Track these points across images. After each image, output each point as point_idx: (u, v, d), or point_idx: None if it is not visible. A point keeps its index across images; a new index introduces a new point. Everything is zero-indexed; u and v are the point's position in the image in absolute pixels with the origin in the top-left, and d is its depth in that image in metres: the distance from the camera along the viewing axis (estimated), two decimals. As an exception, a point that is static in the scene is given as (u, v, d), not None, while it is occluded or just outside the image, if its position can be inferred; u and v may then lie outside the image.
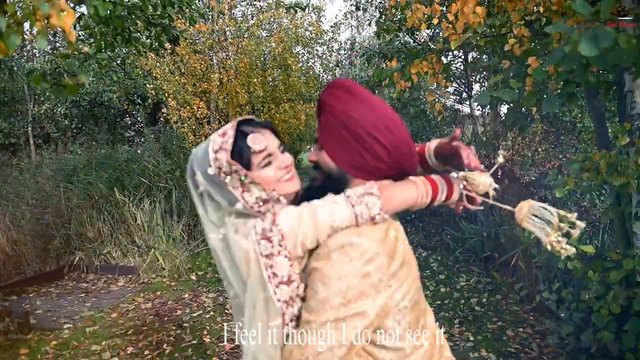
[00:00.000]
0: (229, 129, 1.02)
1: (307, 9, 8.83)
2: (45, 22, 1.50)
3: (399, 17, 4.69)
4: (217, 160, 0.99)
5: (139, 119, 13.99)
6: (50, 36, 10.53)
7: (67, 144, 11.59)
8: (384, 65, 7.38)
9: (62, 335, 3.77)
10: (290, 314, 0.97)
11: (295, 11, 7.20)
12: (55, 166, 8.12)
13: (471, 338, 3.45)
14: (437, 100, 3.10)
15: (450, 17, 2.22)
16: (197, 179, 1.04)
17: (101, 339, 3.66)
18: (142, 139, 14.63)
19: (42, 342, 3.64)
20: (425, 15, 2.37)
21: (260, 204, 0.99)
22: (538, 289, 3.76)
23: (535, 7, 2.13)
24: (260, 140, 1.02)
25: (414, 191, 1.04)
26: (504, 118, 5.51)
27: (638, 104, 2.42)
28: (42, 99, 12.03)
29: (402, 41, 7.77)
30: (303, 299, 0.98)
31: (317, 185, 1.09)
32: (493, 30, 2.88)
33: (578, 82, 2.19)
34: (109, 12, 3.57)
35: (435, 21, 2.38)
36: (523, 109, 3.92)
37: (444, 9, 2.73)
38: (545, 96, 2.06)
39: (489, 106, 8.56)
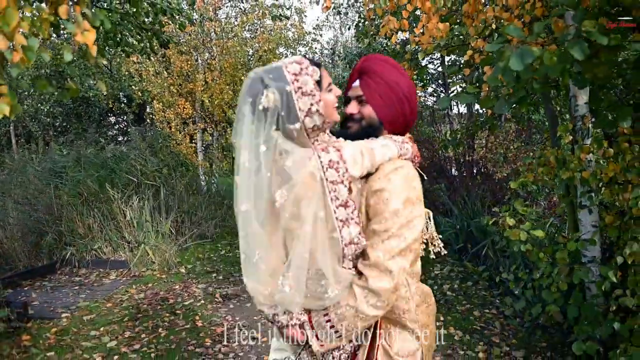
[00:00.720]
0: (302, 60, 1.24)
1: (290, 11, 9.11)
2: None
3: (377, 22, 5.00)
4: (297, 81, 1.18)
5: (123, 117, 14.10)
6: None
7: (49, 142, 11.62)
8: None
9: (61, 323, 4.00)
10: (346, 233, 1.21)
11: (280, 19, 7.47)
12: (43, 165, 8.25)
13: (441, 318, 3.79)
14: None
15: (417, 31, 2.54)
16: (268, 94, 1.16)
17: (99, 325, 3.90)
18: (126, 138, 14.74)
19: (42, 329, 3.86)
20: (395, 28, 2.69)
21: (313, 129, 1.22)
22: (499, 272, 4.12)
23: (491, 21, 2.46)
24: (329, 72, 1.32)
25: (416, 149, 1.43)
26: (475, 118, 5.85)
27: (580, 107, 2.77)
28: (23, 96, 12.00)
29: (382, 44, 8.10)
30: (357, 224, 1.23)
31: (355, 131, 1.39)
32: (461, 38, 3.22)
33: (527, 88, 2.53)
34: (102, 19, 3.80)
35: (404, 34, 2.71)
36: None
37: (413, 23, 3.04)
38: (497, 100, 2.38)
39: (465, 106, 8.96)
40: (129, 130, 15.53)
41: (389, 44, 8.42)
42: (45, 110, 12.14)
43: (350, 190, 1.24)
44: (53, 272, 5.71)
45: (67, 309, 4.36)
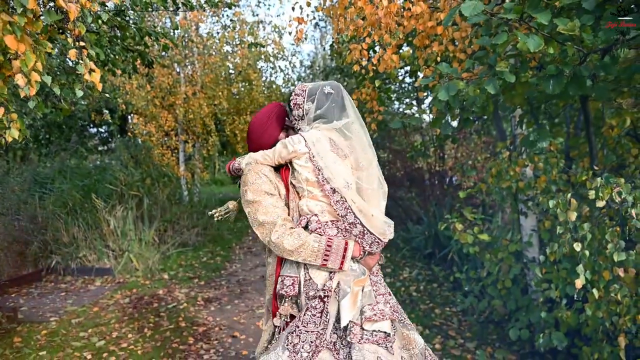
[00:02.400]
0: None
1: (265, 38, 9.48)
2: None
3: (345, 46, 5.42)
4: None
5: (103, 128, 14.23)
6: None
7: (28, 154, 11.68)
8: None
9: (50, 326, 4.23)
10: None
11: (256, 46, 7.84)
12: (24, 175, 8.41)
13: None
14: (374, 119, 3.78)
15: (374, 61, 2.92)
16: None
17: (87, 327, 4.16)
18: (106, 147, 14.83)
19: (32, 332, 4.10)
20: (357, 57, 3.07)
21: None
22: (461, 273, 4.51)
23: (435, 56, 2.85)
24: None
25: None
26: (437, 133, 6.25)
27: (522, 126, 3.19)
28: None
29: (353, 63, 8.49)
30: None
31: None
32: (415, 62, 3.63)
33: (473, 110, 2.94)
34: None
35: (364, 63, 3.10)
36: (455, 123, 4.70)
37: (371, 53, 3.44)
38: (443, 122, 2.77)
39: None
40: (110, 140, 15.69)
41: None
42: (27, 122, 12.21)
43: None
44: (39, 280, 5.91)
45: (55, 313, 4.60)
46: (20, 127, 2.12)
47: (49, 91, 3.22)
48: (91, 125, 14.44)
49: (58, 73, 3.27)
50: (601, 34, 1.71)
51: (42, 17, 2.14)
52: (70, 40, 2.08)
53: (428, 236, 6.39)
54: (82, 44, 2.04)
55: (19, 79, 1.85)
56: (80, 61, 1.98)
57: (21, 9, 1.86)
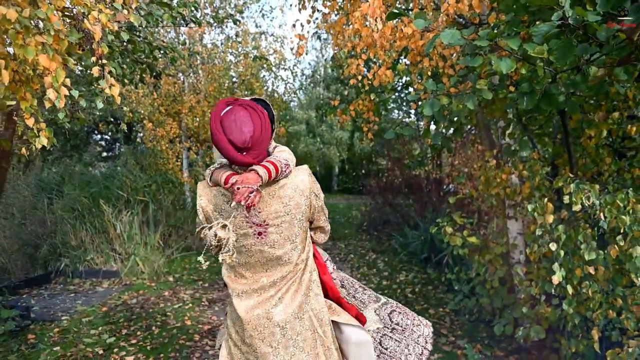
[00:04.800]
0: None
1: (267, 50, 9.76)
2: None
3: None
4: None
5: (109, 135, 14.50)
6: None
7: (32, 160, 11.93)
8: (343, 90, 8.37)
9: (62, 324, 4.44)
10: None
11: (261, 60, 8.11)
12: (28, 180, 8.65)
13: (400, 316, 4.35)
14: (370, 128, 4.02)
15: (369, 76, 3.16)
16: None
17: (97, 325, 4.37)
18: (110, 154, 15.08)
19: (45, 329, 4.31)
20: (354, 72, 3.30)
21: None
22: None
23: (427, 70, 3.08)
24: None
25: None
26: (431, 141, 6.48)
27: (505, 137, 3.41)
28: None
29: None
30: None
31: None
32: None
33: (462, 121, 3.17)
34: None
35: (359, 77, 3.34)
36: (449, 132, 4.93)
37: (366, 69, 3.68)
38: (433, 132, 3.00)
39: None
40: (113, 147, 15.96)
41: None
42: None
43: None
44: (48, 282, 6.12)
45: (66, 312, 4.81)
46: (49, 135, 2.35)
47: (66, 102, 3.45)
48: (95, 133, 14.73)
49: (77, 85, 3.51)
50: (567, 55, 1.93)
51: (67, 37, 2.38)
52: (94, 59, 2.32)
53: (424, 241, 6.60)
54: (104, 61, 2.28)
55: (50, 93, 2.09)
56: (102, 78, 2.21)
57: (52, 31, 2.10)
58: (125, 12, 2.57)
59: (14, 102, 2.28)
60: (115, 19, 2.52)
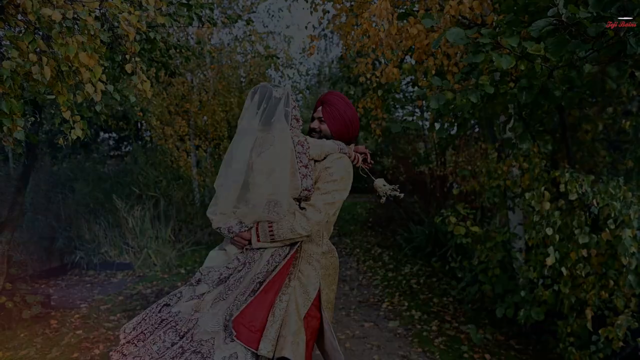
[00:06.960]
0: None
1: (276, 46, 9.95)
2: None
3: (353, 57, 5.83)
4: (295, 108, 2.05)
5: (114, 133, 14.73)
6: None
7: (40, 155, 12.16)
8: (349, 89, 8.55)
9: (82, 311, 4.65)
10: (305, 182, 1.92)
11: (272, 58, 8.31)
12: (39, 176, 8.87)
13: (406, 304, 4.55)
14: (378, 125, 4.21)
15: (377, 74, 3.35)
16: (279, 89, 1.98)
17: (115, 312, 4.57)
18: (117, 152, 15.29)
19: (65, 316, 4.51)
20: (363, 70, 3.49)
21: (292, 125, 2.01)
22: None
23: (432, 68, 3.27)
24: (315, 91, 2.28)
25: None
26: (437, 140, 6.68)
27: (505, 131, 3.59)
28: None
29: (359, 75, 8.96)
30: (311, 178, 1.95)
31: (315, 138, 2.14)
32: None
33: (466, 116, 3.35)
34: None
35: (368, 75, 3.53)
36: (453, 131, 5.12)
37: (377, 64, 3.87)
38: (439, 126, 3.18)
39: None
40: (120, 145, 16.20)
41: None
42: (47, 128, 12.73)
43: (309, 159, 1.98)
44: (64, 273, 6.33)
45: (84, 301, 5.02)
46: (83, 127, 2.55)
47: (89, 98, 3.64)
48: (104, 131, 14.97)
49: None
50: (562, 52, 2.11)
51: (101, 37, 2.58)
52: (127, 56, 2.51)
53: (429, 236, 6.78)
54: (137, 59, 2.48)
55: (89, 88, 2.29)
56: (134, 74, 2.41)
57: (86, 31, 2.30)
58: (152, 13, 2.76)
59: (52, 97, 2.47)
60: (144, 20, 2.71)
